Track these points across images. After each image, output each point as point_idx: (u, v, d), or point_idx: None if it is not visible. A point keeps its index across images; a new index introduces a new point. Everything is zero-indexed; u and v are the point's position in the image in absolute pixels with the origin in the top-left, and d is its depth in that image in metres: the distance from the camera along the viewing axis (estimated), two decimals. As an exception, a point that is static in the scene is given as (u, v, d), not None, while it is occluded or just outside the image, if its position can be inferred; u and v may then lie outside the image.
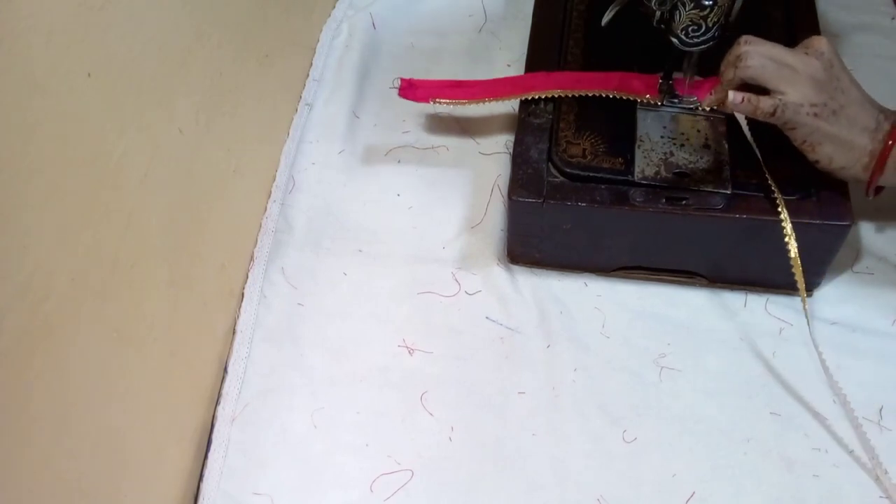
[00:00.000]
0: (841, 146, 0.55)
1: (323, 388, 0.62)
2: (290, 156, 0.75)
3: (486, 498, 0.57)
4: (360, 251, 0.69)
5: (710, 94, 0.58)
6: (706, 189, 0.59)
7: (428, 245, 0.69)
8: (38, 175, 0.40)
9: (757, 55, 0.54)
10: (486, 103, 0.69)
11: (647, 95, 0.63)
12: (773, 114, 0.54)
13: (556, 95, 0.65)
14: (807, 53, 0.55)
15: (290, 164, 0.74)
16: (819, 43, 0.55)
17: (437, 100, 0.68)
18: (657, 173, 0.60)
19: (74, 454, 0.45)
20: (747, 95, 0.55)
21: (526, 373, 0.61)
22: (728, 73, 0.56)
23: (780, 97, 0.54)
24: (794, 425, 0.58)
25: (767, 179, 0.58)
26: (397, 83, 0.69)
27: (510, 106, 0.76)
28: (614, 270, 0.65)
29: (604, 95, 0.64)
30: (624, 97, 0.64)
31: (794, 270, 0.57)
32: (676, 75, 0.63)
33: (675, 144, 0.61)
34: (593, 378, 0.61)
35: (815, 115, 0.54)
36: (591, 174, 0.60)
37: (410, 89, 0.69)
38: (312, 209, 0.72)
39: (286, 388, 0.62)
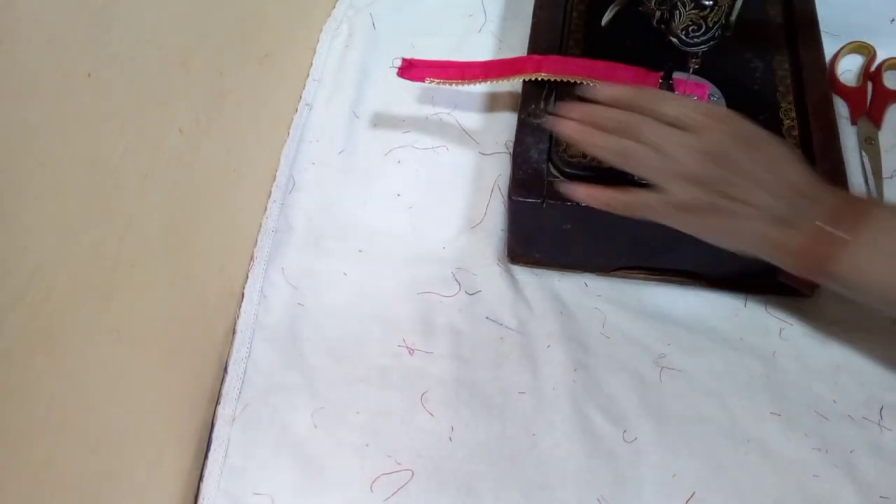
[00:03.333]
0: (739, 235, 0.51)
1: (323, 388, 0.62)
2: (290, 156, 0.75)
3: (486, 498, 0.57)
4: (360, 251, 0.69)
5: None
6: (706, 189, 0.59)
7: (428, 245, 0.69)
8: (38, 175, 0.40)
9: (641, 148, 0.51)
10: (479, 84, 0.69)
11: None
12: (632, 211, 0.52)
13: (544, 79, 0.65)
14: (691, 146, 0.50)
15: (290, 164, 0.74)
16: (708, 131, 0.50)
17: (431, 79, 0.69)
18: (657, 173, 0.60)
19: (74, 454, 0.45)
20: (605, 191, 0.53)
21: (526, 373, 0.61)
22: (599, 151, 0.53)
23: (646, 195, 0.51)
24: (794, 425, 0.58)
25: None
26: (398, 63, 0.69)
27: (510, 106, 0.76)
28: (614, 270, 0.65)
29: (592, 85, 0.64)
30: None
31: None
32: (677, 75, 0.63)
33: (675, 144, 0.61)
34: (593, 378, 0.61)
35: (698, 213, 0.50)
36: (591, 174, 0.60)
37: (409, 69, 0.70)
38: (312, 209, 0.71)
39: (286, 388, 0.62)
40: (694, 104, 0.52)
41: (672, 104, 0.51)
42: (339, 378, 0.62)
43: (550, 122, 0.55)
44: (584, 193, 0.55)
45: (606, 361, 0.62)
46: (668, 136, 0.50)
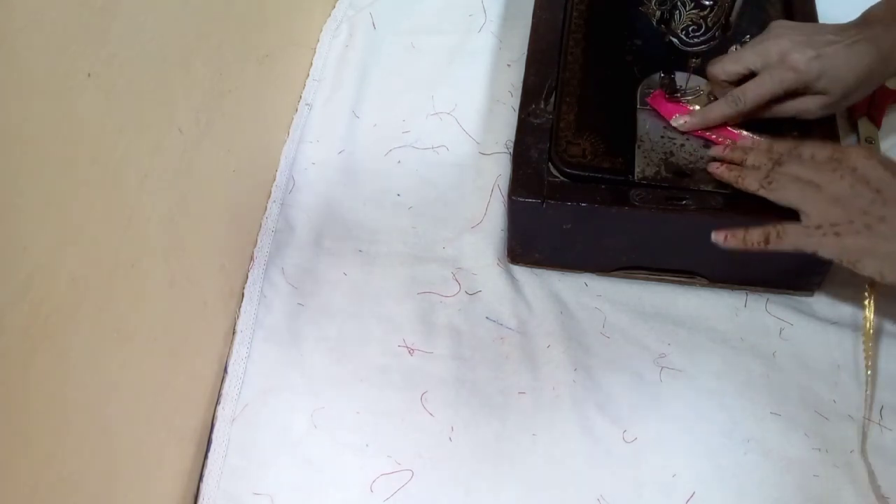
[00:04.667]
0: (886, 260, 0.51)
1: (323, 388, 0.62)
2: (290, 156, 0.75)
3: (486, 498, 0.57)
4: (360, 251, 0.69)
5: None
6: (706, 189, 0.59)
7: (428, 245, 0.69)
8: (38, 175, 0.40)
9: (785, 177, 0.54)
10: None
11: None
12: (767, 242, 0.54)
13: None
14: (835, 169, 0.52)
15: (290, 164, 0.74)
16: (855, 157, 0.52)
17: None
18: (657, 173, 0.60)
19: (74, 454, 0.45)
20: (736, 232, 0.55)
21: (526, 373, 0.61)
22: (750, 185, 0.56)
23: (777, 226, 0.53)
24: (794, 425, 0.58)
25: None
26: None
27: (510, 106, 0.76)
28: (614, 270, 0.65)
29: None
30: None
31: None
32: (678, 74, 0.63)
33: (675, 144, 0.61)
34: (593, 378, 0.61)
35: (837, 234, 0.51)
36: (591, 174, 0.60)
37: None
38: (312, 209, 0.72)
39: (286, 388, 0.62)
40: (824, 144, 0.56)
41: (807, 145, 0.56)
42: (339, 378, 0.62)
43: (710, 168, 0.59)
44: (734, 240, 0.55)
45: (606, 361, 0.62)
46: (812, 164, 0.54)
